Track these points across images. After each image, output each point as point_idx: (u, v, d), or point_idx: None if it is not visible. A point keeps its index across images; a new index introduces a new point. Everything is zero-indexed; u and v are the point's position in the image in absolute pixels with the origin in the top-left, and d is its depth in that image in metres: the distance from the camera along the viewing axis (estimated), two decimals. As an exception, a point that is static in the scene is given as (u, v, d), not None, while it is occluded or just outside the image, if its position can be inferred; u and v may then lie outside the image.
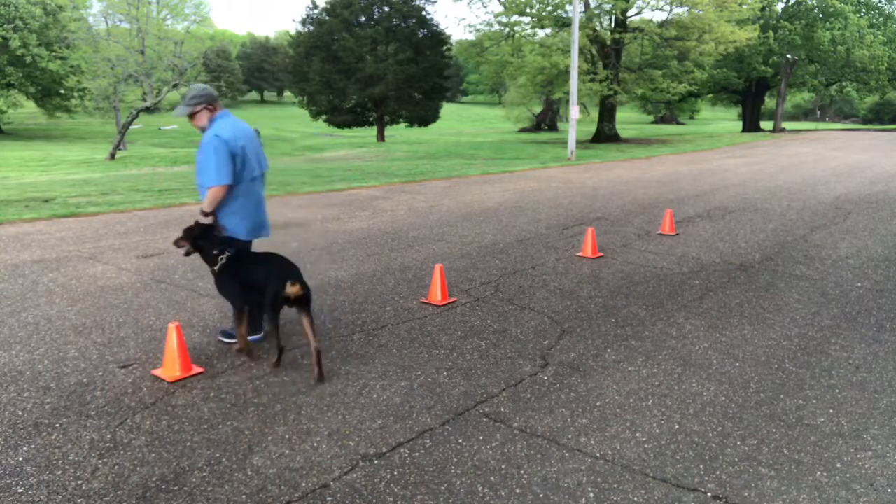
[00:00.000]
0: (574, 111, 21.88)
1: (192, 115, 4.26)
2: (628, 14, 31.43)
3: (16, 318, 5.03)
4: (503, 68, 33.34)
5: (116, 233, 8.37)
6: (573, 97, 21.88)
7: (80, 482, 2.89)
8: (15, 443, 3.20)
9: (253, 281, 4.12)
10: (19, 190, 13.25)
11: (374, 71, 35.07)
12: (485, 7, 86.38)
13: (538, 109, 56.44)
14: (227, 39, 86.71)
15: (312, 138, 44.92)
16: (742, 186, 14.06)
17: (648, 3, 30.32)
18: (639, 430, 3.39)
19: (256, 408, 3.59)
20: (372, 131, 40.87)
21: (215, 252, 4.19)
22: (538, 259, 7.15)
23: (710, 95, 53.29)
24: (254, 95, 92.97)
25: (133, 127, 35.01)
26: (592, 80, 29.80)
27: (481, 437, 3.30)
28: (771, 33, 40.80)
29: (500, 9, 31.59)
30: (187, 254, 4.35)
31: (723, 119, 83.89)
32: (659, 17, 43.49)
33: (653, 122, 75.65)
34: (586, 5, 30.33)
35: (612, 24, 32.12)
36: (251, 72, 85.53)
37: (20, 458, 3.06)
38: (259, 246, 4.69)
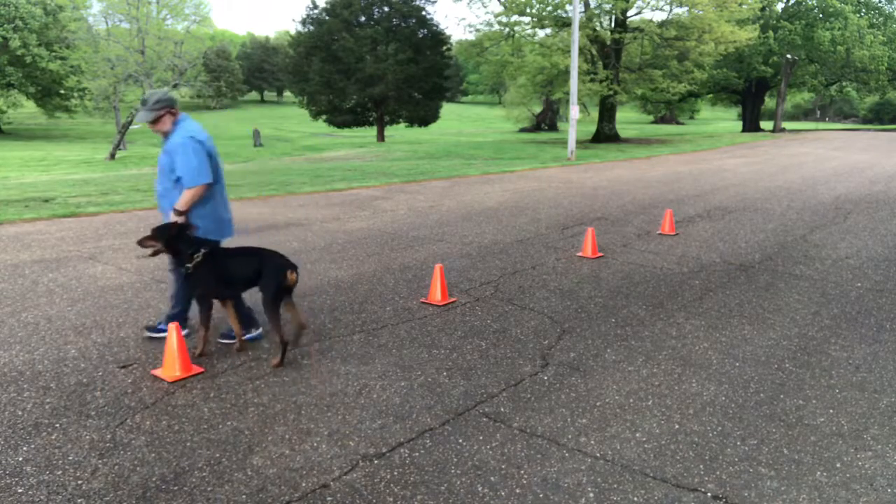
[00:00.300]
0: (574, 111, 21.88)
1: (155, 121, 4.27)
2: (628, 14, 31.43)
3: (16, 318, 5.03)
4: (503, 68, 33.34)
5: (116, 233, 8.37)
6: (573, 97, 21.88)
7: (80, 482, 2.89)
8: (15, 443, 3.20)
9: (238, 276, 4.21)
10: (19, 190, 13.25)
11: (374, 71, 35.08)
12: (485, 7, 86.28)
13: (538, 109, 56.44)
14: (227, 39, 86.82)
15: (312, 138, 44.94)
16: (742, 186, 14.06)
17: (648, 3, 30.32)
18: (639, 430, 3.39)
19: (256, 408, 3.59)
20: (372, 131, 40.88)
21: (191, 251, 4.14)
22: (538, 259, 7.15)
23: (710, 95, 53.30)
24: (254, 95, 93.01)
25: (133, 127, 35.02)
26: (592, 80, 29.80)
27: (481, 437, 3.30)
28: (771, 33, 40.81)
29: (500, 9, 31.60)
30: (154, 254, 4.22)
31: (723, 119, 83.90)
32: (659, 17, 43.48)
33: (653, 122, 75.65)
34: (586, 5, 30.33)
35: (612, 24, 32.12)
36: (251, 72, 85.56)
37: (20, 458, 3.06)
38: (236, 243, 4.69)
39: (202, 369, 4.05)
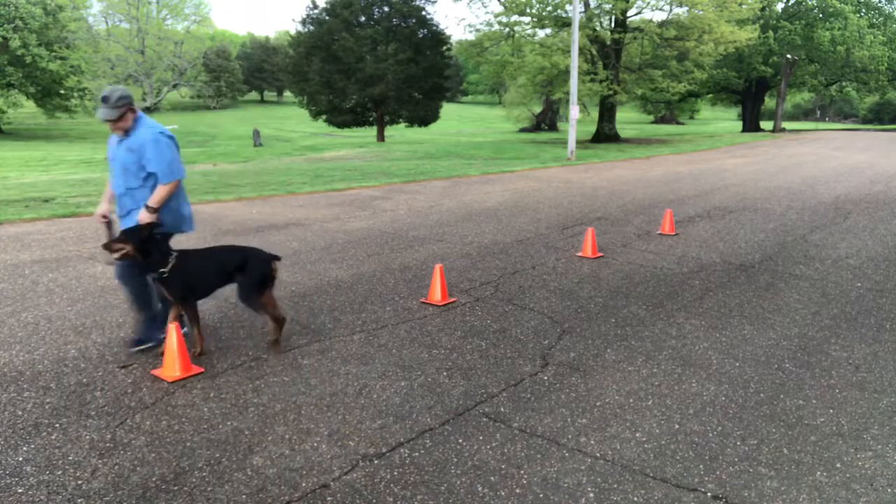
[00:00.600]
0: (574, 111, 21.88)
1: (119, 118, 4.12)
2: (628, 14, 31.42)
3: (16, 318, 5.03)
4: (503, 68, 33.34)
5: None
6: (573, 97, 21.88)
7: (80, 482, 2.89)
8: (15, 443, 3.20)
9: (218, 274, 4.25)
10: (19, 190, 13.25)
11: (374, 71, 35.07)
12: (485, 7, 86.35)
13: (538, 109, 56.43)
14: (227, 39, 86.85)
15: (312, 138, 44.93)
16: (742, 186, 14.06)
17: (648, 3, 30.33)
18: (639, 430, 3.39)
19: (256, 408, 3.59)
20: (372, 131, 40.86)
21: (163, 255, 4.06)
22: (538, 259, 7.15)
23: (710, 95, 53.33)
24: (254, 95, 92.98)
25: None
26: (592, 80, 29.80)
27: (481, 437, 3.30)
28: (771, 33, 40.82)
29: (500, 9, 31.60)
30: (123, 258, 4.04)
31: (723, 119, 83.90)
32: (659, 17, 43.41)
33: (653, 122, 75.64)
34: (586, 5, 30.33)
35: (612, 24, 32.11)
36: (251, 72, 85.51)
37: (20, 458, 3.06)
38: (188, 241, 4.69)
39: (202, 369, 4.05)
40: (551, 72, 30.21)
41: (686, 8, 29.20)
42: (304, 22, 37.78)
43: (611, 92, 30.52)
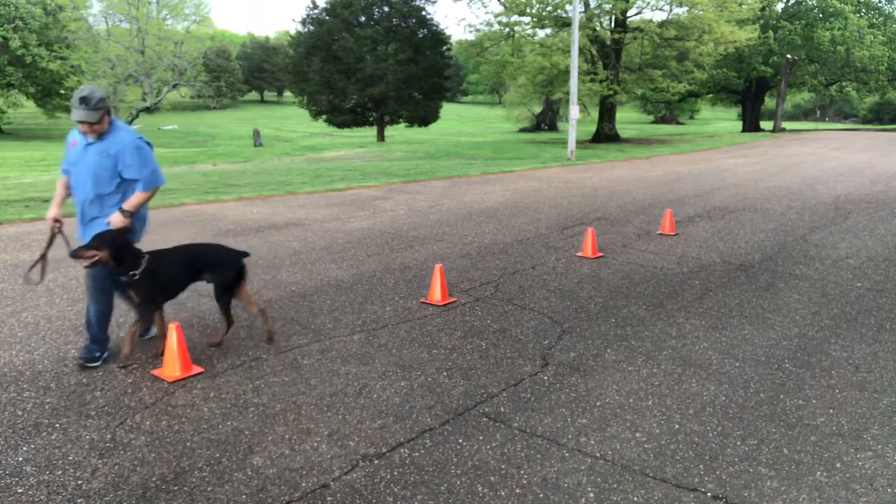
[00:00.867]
0: (574, 111, 21.88)
1: (98, 120, 3.97)
2: (628, 14, 31.42)
3: (16, 318, 5.03)
4: (503, 68, 33.33)
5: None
6: (573, 97, 21.87)
7: (80, 482, 2.89)
8: (15, 443, 3.20)
9: (185, 274, 4.29)
10: (19, 190, 13.25)
11: (374, 71, 35.06)
12: (485, 7, 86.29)
13: (538, 109, 56.41)
14: (227, 39, 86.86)
15: (312, 138, 44.93)
16: (742, 186, 14.06)
17: (648, 3, 30.31)
18: (639, 430, 3.39)
19: (256, 408, 3.59)
20: (372, 131, 40.86)
21: (134, 257, 4.01)
22: (538, 259, 7.15)
23: (710, 95, 53.30)
24: (254, 95, 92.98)
25: (133, 127, 35.03)
26: (592, 81, 29.78)
27: (481, 437, 3.30)
28: (771, 33, 40.81)
29: (500, 9, 31.60)
30: (95, 264, 3.93)
31: (723, 119, 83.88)
32: (659, 17, 43.42)
33: (653, 122, 75.61)
34: (586, 5, 30.32)
35: (612, 24, 32.10)
36: (251, 72, 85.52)
37: (20, 458, 3.06)
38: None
39: (202, 369, 4.05)
40: (551, 72, 30.20)
41: (686, 8, 29.19)
42: (304, 22, 37.77)
43: (611, 92, 30.51)
